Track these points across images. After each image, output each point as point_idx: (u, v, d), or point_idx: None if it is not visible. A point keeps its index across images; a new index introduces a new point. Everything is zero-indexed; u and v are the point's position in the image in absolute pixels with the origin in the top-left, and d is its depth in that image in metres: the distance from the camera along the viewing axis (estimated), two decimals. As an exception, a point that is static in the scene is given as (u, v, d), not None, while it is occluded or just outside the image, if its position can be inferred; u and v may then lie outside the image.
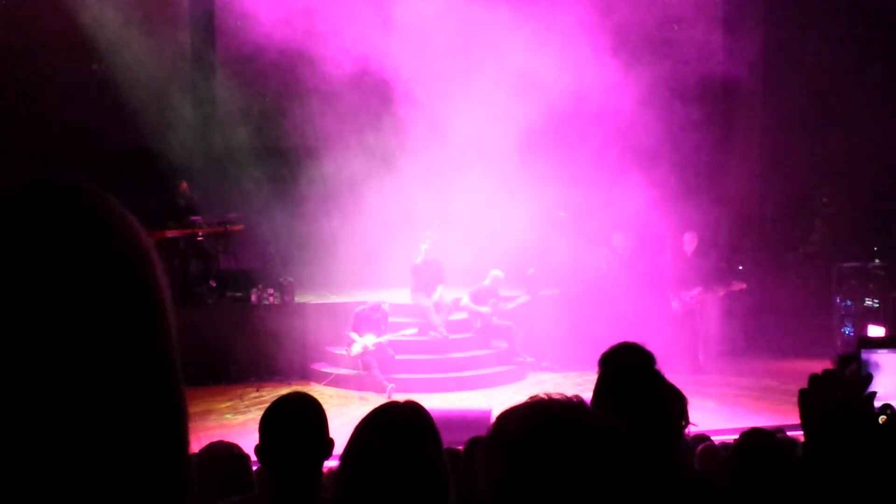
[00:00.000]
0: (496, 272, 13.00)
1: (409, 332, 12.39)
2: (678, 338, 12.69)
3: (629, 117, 13.58)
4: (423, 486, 2.23)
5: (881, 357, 2.08)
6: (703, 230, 13.65)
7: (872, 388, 2.13)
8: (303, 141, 14.86)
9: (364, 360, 11.93)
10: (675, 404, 2.67)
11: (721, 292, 13.35)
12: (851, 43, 13.93)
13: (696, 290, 13.03)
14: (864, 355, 2.07)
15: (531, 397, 1.49)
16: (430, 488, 2.24)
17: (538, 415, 1.43)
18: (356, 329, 12.07)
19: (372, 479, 2.23)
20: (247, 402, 11.34)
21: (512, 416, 1.46)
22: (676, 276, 13.13)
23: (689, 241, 13.33)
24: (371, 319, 12.11)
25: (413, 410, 2.39)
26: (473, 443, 4.73)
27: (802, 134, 14.57)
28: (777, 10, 15.39)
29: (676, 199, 14.35)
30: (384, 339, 12.07)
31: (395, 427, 2.31)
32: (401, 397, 2.72)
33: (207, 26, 14.62)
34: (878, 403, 2.05)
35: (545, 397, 1.47)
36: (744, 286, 13.44)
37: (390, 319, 12.43)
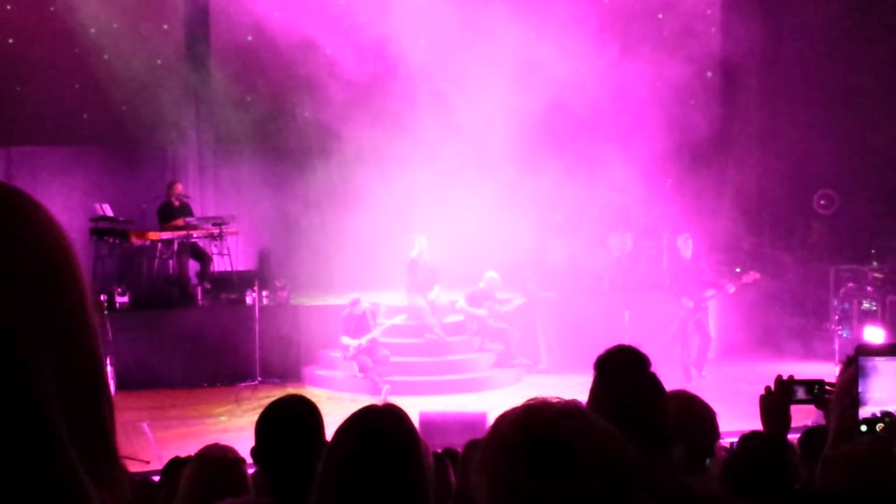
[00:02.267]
0: (492, 274, 12.96)
1: (399, 319, 12.36)
2: (676, 341, 12.63)
3: (625, 117, 13.58)
4: (398, 491, 2.21)
5: (879, 363, 2.10)
6: (701, 231, 13.53)
7: (870, 392, 2.14)
8: (298, 139, 14.82)
9: (360, 361, 11.88)
10: (669, 407, 2.67)
11: (733, 289, 12.74)
12: (849, 39, 13.95)
13: (709, 293, 12.65)
14: (862, 362, 2.09)
15: (527, 400, 1.48)
16: (406, 493, 2.21)
17: (534, 418, 1.42)
18: (347, 332, 12.00)
19: (346, 484, 2.20)
20: (243, 406, 11.31)
21: (507, 420, 1.45)
22: (682, 280, 12.69)
23: (685, 244, 12.55)
24: (356, 317, 12.03)
25: (390, 414, 2.34)
26: (472, 445, 4.71)
27: (800, 134, 14.56)
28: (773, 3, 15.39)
29: (673, 200, 14.36)
30: (376, 332, 12.00)
31: (371, 431, 2.27)
32: (396, 399, 2.70)
33: (202, 21, 14.51)
34: (876, 410, 2.06)
35: (541, 400, 1.46)
36: (758, 276, 12.75)
37: (383, 321, 12.41)
